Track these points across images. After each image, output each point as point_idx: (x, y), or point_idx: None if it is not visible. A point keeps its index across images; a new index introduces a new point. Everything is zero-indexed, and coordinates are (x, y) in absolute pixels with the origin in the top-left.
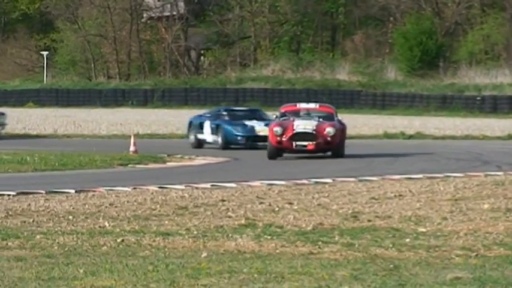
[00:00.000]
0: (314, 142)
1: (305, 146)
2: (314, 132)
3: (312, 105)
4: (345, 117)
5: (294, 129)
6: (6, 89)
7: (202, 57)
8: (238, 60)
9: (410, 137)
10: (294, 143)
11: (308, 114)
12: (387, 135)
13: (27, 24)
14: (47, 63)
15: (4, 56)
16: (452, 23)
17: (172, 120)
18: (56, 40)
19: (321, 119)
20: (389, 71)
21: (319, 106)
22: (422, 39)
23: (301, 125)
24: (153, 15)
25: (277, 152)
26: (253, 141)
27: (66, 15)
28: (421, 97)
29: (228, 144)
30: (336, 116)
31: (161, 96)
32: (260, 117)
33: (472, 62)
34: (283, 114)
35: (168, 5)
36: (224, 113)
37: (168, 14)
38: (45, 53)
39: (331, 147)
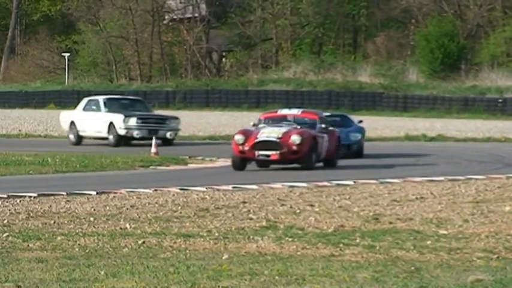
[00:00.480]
0: (278, 152)
1: (268, 156)
2: (278, 140)
3: (294, 112)
4: (366, 119)
5: (256, 138)
6: (27, 90)
7: (223, 59)
8: (259, 62)
9: (432, 139)
10: (256, 153)
11: (289, 121)
12: (409, 138)
13: (49, 26)
14: (68, 65)
15: (26, 58)
16: (474, 26)
17: (194, 122)
18: (77, 42)
19: (298, 127)
20: (411, 73)
21: (302, 112)
22: (444, 42)
23: (266, 133)
24: (174, 17)
25: (242, 162)
26: None
27: (88, 17)
28: (443, 99)
29: None
30: (321, 124)
31: (183, 98)
32: (346, 124)
33: (494, 64)
34: (263, 121)
35: (190, 7)
36: None
37: (189, 15)
38: (66, 54)
39: (298, 158)
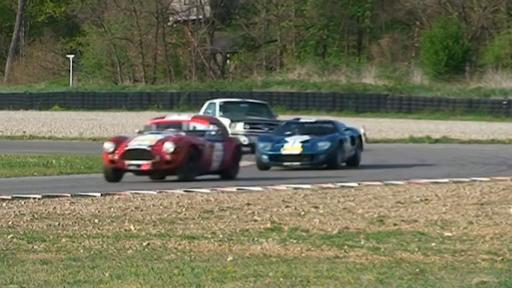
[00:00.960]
0: (150, 161)
1: (139, 166)
2: (149, 149)
3: (183, 117)
4: (371, 121)
5: (127, 146)
6: (32, 91)
7: (228, 61)
8: (264, 64)
9: (436, 141)
10: (126, 162)
11: (177, 128)
12: (413, 139)
13: (54, 28)
14: (73, 67)
15: (30, 59)
16: (478, 27)
17: None
18: (82, 43)
19: (183, 133)
20: (415, 75)
21: (192, 118)
22: (448, 44)
23: (138, 141)
24: (179, 18)
25: (114, 172)
26: (277, 160)
27: (92, 19)
28: (447, 101)
29: (258, 163)
30: (212, 130)
31: (187, 100)
32: (334, 130)
33: (498, 66)
34: (149, 128)
35: (194, 9)
36: (293, 125)
37: (194, 17)
38: (71, 56)
39: (173, 168)
